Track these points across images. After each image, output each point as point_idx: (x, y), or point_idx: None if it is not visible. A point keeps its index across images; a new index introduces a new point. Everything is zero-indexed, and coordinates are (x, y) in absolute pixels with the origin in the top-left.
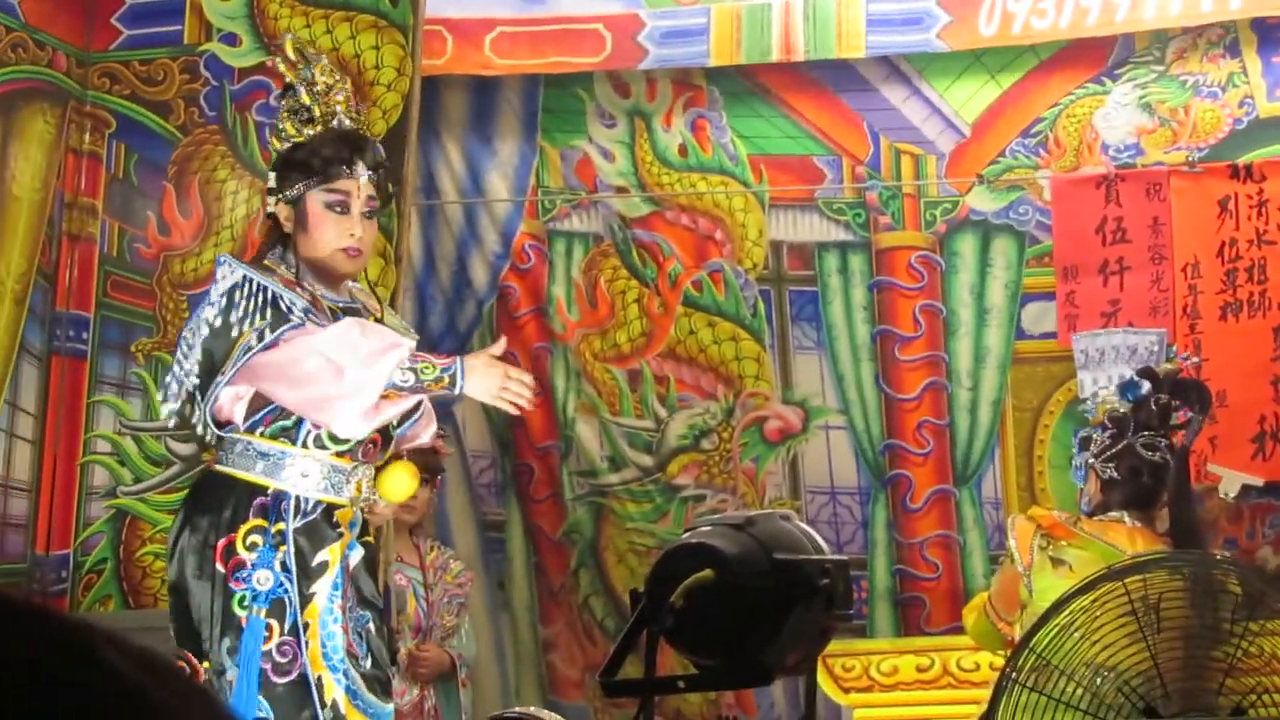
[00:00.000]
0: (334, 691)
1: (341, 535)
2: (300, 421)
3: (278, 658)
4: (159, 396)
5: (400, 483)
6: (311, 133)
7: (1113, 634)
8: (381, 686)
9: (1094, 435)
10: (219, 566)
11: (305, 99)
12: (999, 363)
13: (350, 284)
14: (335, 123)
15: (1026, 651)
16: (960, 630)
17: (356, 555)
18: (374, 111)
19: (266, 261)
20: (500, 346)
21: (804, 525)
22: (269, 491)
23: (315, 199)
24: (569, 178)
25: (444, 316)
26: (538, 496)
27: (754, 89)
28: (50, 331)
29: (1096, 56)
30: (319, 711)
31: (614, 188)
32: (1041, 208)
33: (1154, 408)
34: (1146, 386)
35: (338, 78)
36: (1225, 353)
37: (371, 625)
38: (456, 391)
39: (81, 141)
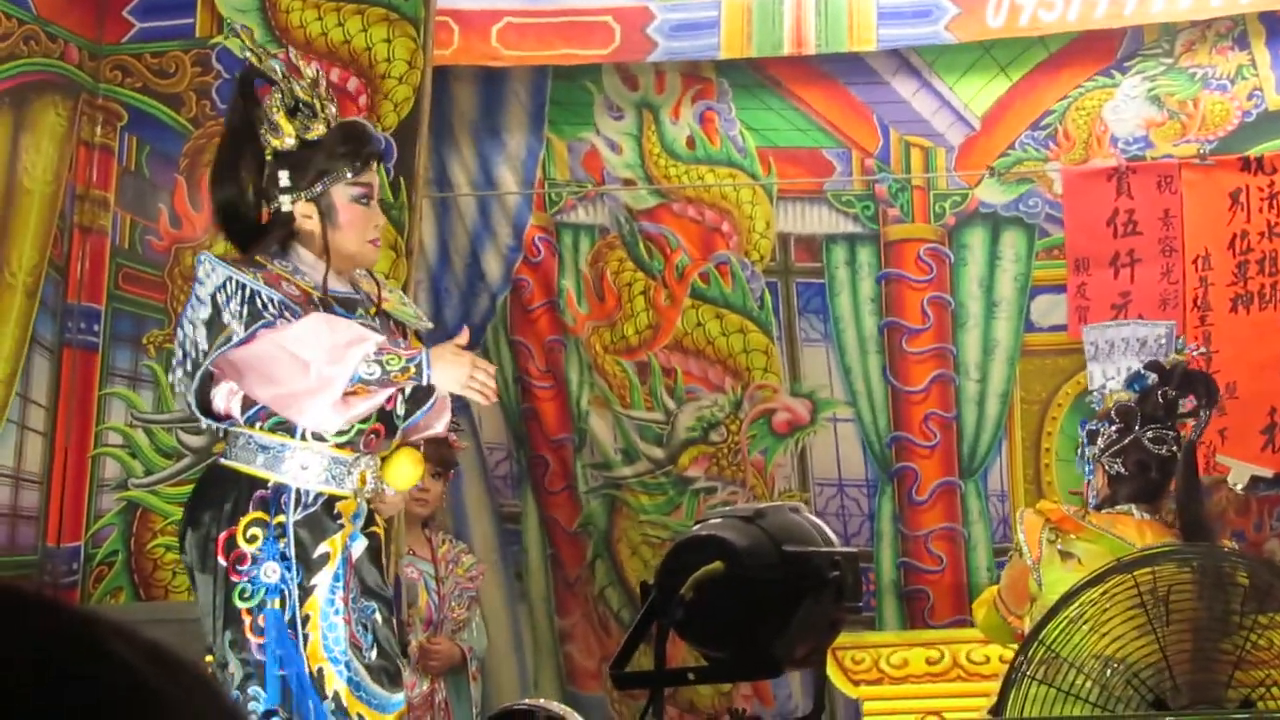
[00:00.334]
0: (335, 683)
1: (342, 527)
2: None
3: (278, 650)
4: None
5: (404, 470)
6: (319, 128)
7: (1122, 627)
8: (389, 677)
9: (1100, 429)
10: (220, 560)
11: (302, 94)
12: (1007, 355)
13: (356, 271)
14: (330, 113)
15: (1036, 644)
16: (967, 623)
17: (359, 546)
18: (385, 104)
19: (259, 258)
20: (464, 337)
21: (813, 517)
22: (269, 484)
23: (342, 193)
24: (576, 170)
25: (459, 310)
26: (553, 489)
27: (763, 81)
28: (62, 324)
29: (1106, 49)
30: (320, 703)
31: (621, 180)
32: (1051, 200)
33: (1161, 400)
34: (1153, 379)
35: (316, 67)
36: (1236, 345)
37: (378, 616)
38: (424, 382)
39: (93, 134)
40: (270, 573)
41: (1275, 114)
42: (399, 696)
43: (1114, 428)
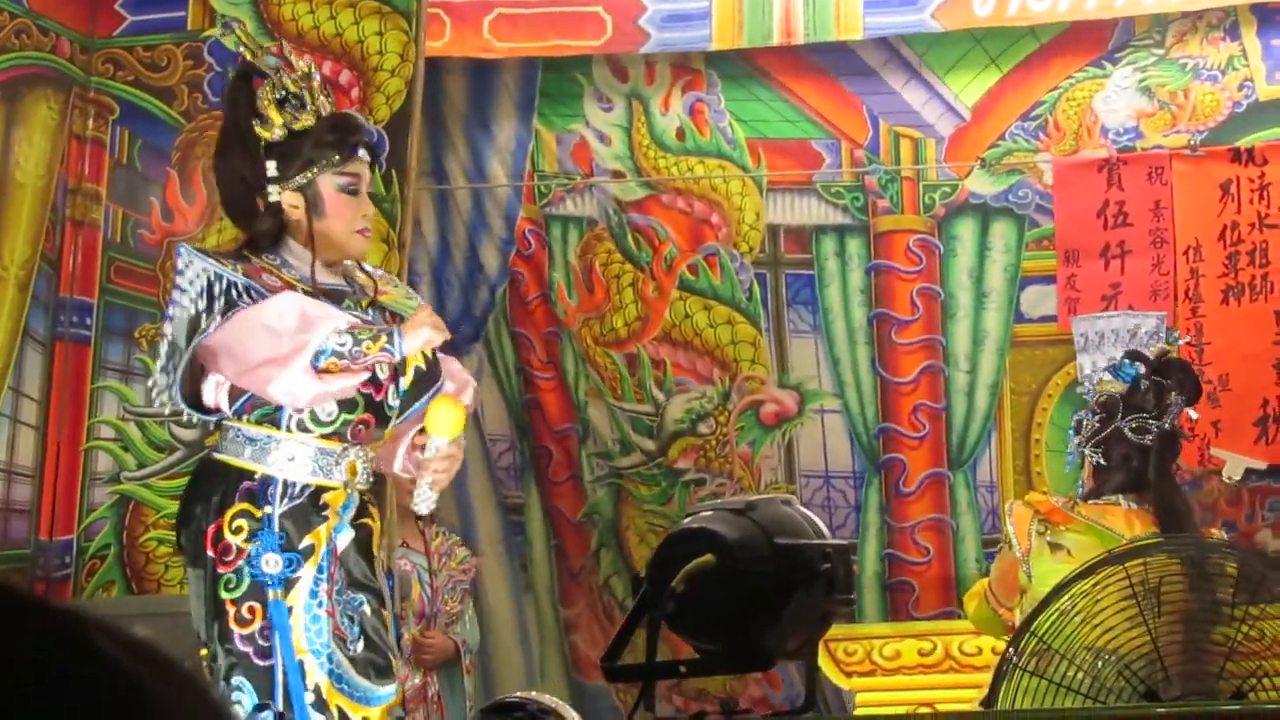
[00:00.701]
0: (316, 675)
1: (327, 519)
2: (281, 405)
3: (260, 641)
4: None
5: (445, 416)
6: (307, 119)
7: (1113, 618)
8: (376, 669)
9: (1085, 419)
10: (209, 552)
11: (291, 86)
12: (997, 346)
13: (345, 263)
14: (321, 105)
15: (1027, 636)
16: (954, 614)
17: (345, 538)
18: (378, 97)
19: (245, 250)
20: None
21: (804, 510)
22: (256, 476)
23: (328, 183)
24: (564, 162)
25: (460, 301)
26: (556, 479)
27: (753, 72)
28: (54, 317)
29: (1096, 40)
30: (301, 695)
31: (610, 172)
32: (1041, 191)
33: (1146, 390)
34: (1139, 368)
35: (308, 61)
36: (1227, 336)
37: (366, 608)
38: (396, 355)
39: (85, 127)
40: (255, 564)
41: (1266, 105)
42: (388, 689)
43: (1096, 418)
